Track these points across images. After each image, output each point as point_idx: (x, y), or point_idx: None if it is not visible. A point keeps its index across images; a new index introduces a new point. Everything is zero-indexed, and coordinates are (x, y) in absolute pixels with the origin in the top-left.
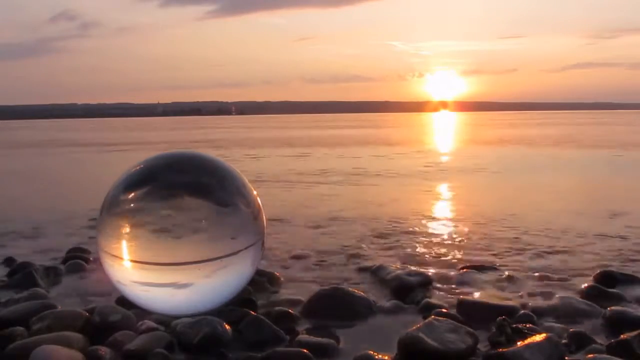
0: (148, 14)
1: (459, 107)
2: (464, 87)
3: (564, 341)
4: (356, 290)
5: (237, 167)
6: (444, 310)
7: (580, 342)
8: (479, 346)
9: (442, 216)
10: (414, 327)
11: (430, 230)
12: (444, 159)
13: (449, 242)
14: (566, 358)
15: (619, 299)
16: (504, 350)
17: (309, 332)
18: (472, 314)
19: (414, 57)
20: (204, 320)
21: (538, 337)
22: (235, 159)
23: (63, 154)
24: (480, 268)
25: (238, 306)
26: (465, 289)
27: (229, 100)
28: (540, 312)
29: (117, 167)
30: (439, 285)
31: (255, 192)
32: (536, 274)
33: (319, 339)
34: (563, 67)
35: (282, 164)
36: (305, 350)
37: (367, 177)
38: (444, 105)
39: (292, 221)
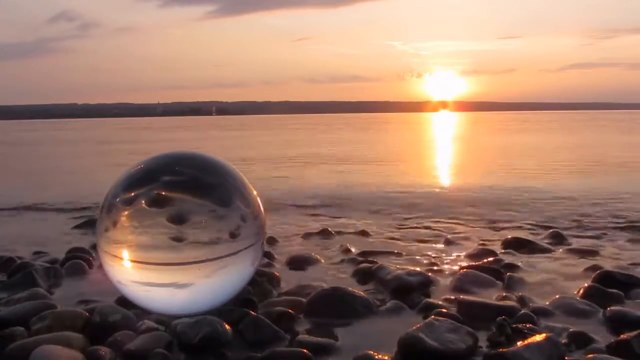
0: (148, 14)
1: (458, 107)
2: (463, 87)
3: (564, 341)
4: (356, 290)
5: None
6: (444, 310)
7: (580, 342)
8: (479, 346)
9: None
10: (414, 327)
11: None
12: None
13: (450, 239)
14: (566, 358)
15: (619, 299)
16: (504, 350)
17: (309, 332)
18: (472, 314)
19: (414, 57)
20: (204, 320)
21: (538, 337)
22: None
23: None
24: (481, 268)
25: (238, 306)
26: (465, 289)
27: (229, 100)
28: (540, 312)
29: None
30: (439, 285)
31: (255, 192)
32: (536, 274)
33: (319, 339)
34: (561, 67)
35: None
36: (305, 350)
37: None
38: (443, 105)
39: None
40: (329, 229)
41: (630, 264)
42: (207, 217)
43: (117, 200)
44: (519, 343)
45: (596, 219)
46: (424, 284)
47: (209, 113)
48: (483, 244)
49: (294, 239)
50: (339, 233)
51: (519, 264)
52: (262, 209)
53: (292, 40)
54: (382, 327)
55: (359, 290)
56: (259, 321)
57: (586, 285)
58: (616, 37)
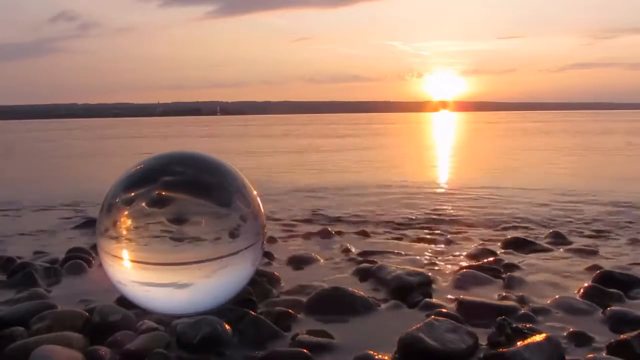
0: (148, 14)
1: (458, 107)
2: (463, 87)
3: (564, 341)
4: (356, 290)
5: None
6: (444, 310)
7: (580, 342)
8: (479, 346)
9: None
10: (414, 327)
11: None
12: None
13: (450, 240)
14: (566, 358)
15: (619, 299)
16: (504, 350)
17: (309, 332)
18: (472, 314)
19: (414, 57)
20: (204, 320)
21: (538, 337)
22: None
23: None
24: (481, 267)
25: (238, 306)
26: (465, 289)
27: (229, 100)
28: (540, 312)
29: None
30: (439, 285)
31: (255, 192)
32: (536, 274)
33: (319, 339)
34: (562, 67)
35: None
36: (305, 350)
37: None
38: (443, 105)
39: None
40: (329, 228)
41: (631, 264)
42: (207, 217)
43: (117, 200)
44: (519, 343)
45: (596, 218)
46: (424, 284)
47: (212, 113)
48: (483, 244)
49: (294, 238)
50: (339, 233)
51: (519, 263)
52: (262, 208)
53: (292, 40)
54: (382, 327)
55: (359, 290)
56: (259, 321)
57: (586, 285)
58: (616, 37)
